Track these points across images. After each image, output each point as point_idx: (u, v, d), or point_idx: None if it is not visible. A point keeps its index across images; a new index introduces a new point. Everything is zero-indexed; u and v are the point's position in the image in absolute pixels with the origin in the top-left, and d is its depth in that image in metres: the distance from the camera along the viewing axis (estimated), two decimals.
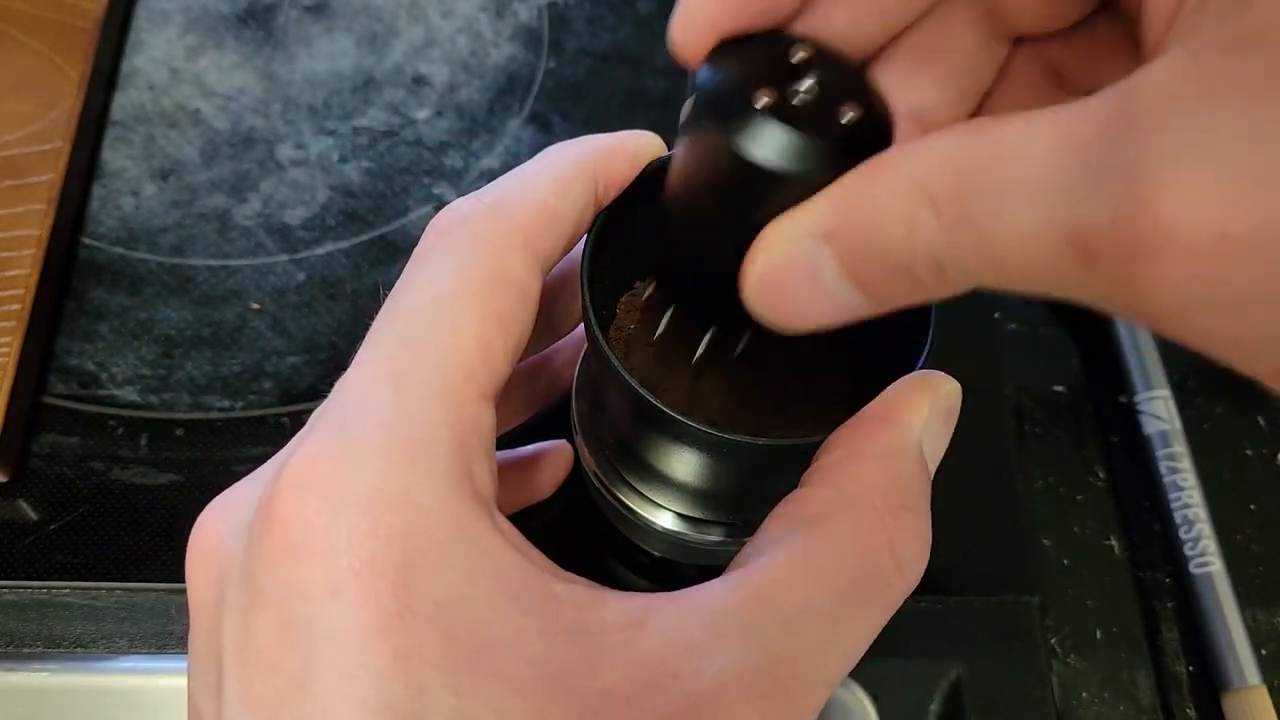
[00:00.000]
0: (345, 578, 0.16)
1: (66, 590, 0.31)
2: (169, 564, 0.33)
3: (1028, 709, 0.31)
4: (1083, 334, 0.39)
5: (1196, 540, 0.33)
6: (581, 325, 0.27)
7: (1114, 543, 0.35)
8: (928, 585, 0.33)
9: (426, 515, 0.17)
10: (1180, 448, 0.35)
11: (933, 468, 0.21)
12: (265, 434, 0.35)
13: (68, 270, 0.38)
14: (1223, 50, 0.13)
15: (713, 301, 0.21)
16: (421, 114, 0.43)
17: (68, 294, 0.38)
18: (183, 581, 0.20)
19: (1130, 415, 0.36)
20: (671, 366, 0.24)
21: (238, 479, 0.20)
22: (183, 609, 0.30)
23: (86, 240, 0.39)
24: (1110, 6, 0.19)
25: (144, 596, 0.31)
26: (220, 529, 0.19)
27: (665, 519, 0.26)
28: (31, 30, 0.41)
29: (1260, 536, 0.35)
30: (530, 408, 0.29)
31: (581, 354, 0.28)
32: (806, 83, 0.18)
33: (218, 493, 0.20)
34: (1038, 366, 0.38)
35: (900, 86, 0.20)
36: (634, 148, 0.22)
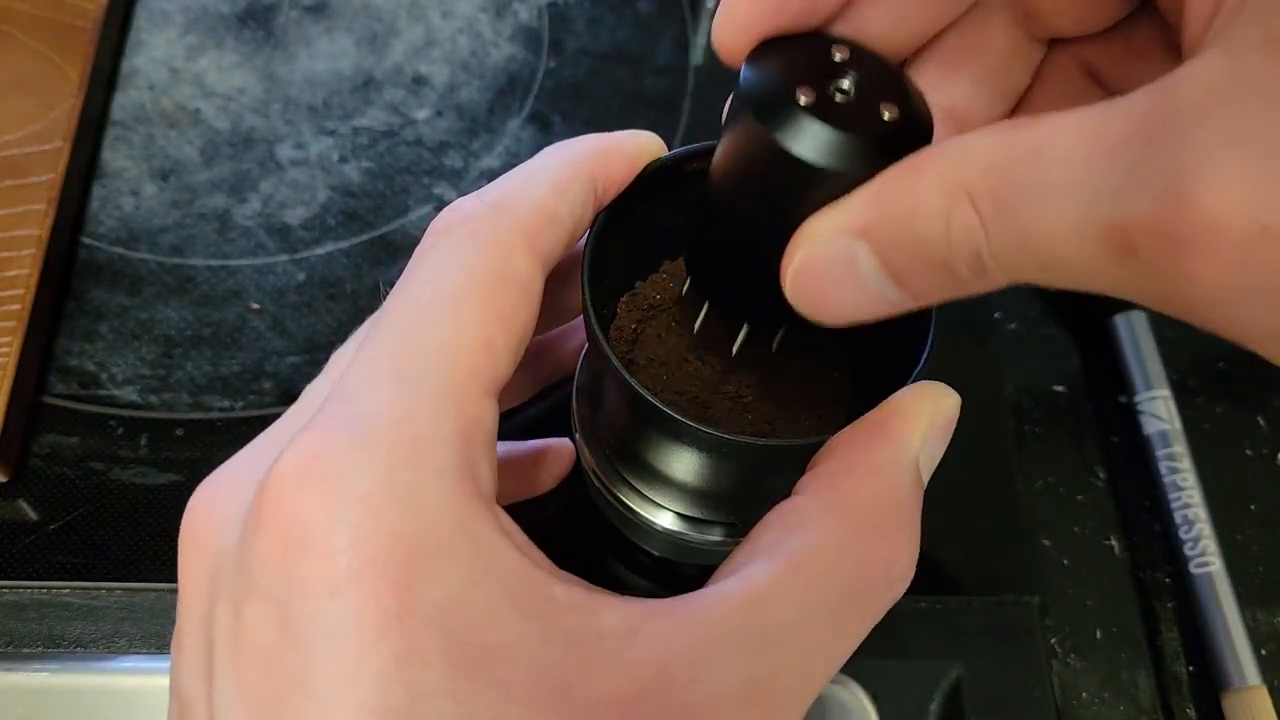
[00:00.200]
0: (346, 577, 0.16)
1: (66, 590, 0.31)
2: (169, 564, 0.33)
3: (1028, 709, 0.31)
4: (1083, 334, 0.39)
5: (1196, 540, 0.33)
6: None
7: (1114, 543, 0.35)
8: (928, 585, 0.33)
9: (430, 516, 0.17)
10: (1180, 448, 0.35)
11: (927, 478, 0.21)
12: None
13: (68, 270, 0.38)
14: (1262, 50, 0.13)
15: (749, 297, 0.21)
16: (421, 114, 0.43)
17: (68, 294, 0.38)
18: None
19: (1130, 415, 0.36)
20: (670, 362, 0.24)
21: None
22: None
23: (86, 240, 0.39)
24: (1147, 9, 0.20)
25: (144, 596, 0.31)
26: (215, 517, 0.19)
27: (665, 519, 0.26)
28: (31, 30, 0.41)
29: (1260, 536, 0.35)
30: (530, 390, 0.29)
31: (583, 353, 0.28)
32: (846, 81, 0.18)
33: None
34: (1038, 366, 0.38)
35: (937, 87, 0.21)
36: (632, 148, 0.22)
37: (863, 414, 0.21)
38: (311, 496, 0.17)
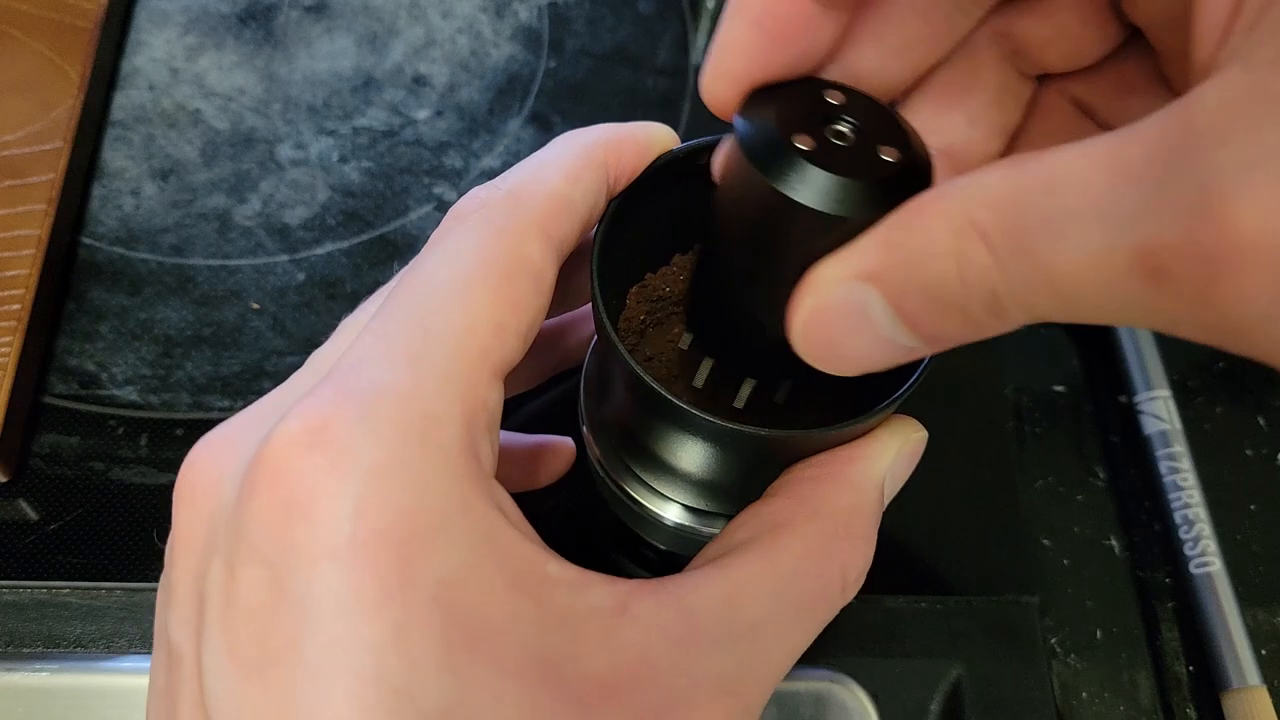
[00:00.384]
0: (348, 545, 0.16)
1: (66, 590, 0.31)
2: None
3: (1028, 709, 0.31)
4: (1083, 334, 0.39)
5: (1196, 540, 0.33)
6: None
7: (1114, 543, 0.35)
8: (928, 585, 0.33)
9: (434, 492, 0.17)
10: (1180, 448, 0.35)
11: (888, 499, 0.22)
12: None
13: (68, 270, 0.38)
14: None
15: (754, 352, 0.21)
16: (421, 114, 0.43)
17: (68, 294, 0.38)
18: None
19: (1130, 415, 0.36)
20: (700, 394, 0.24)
21: None
22: None
23: (86, 240, 0.39)
24: (1135, 41, 0.19)
25: (144, 596, 0.31)
26: (214, 473, 0.19)
27: (672, 512, 0.26)
28: (31, 30, 0.41)
29: (1260, 536, 0.35)
30: (538, 377, 0.30)
31: (591, 345, 0.28)
32: (844, 125, 0.18)
33: None
34: (1038, 366, 0.38)
35: (931, 126, 0.21)
36: (644, 137, 0.23)
37: (868, 408, 0.21)
38: (319, 462, 0.17)
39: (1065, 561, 0.34)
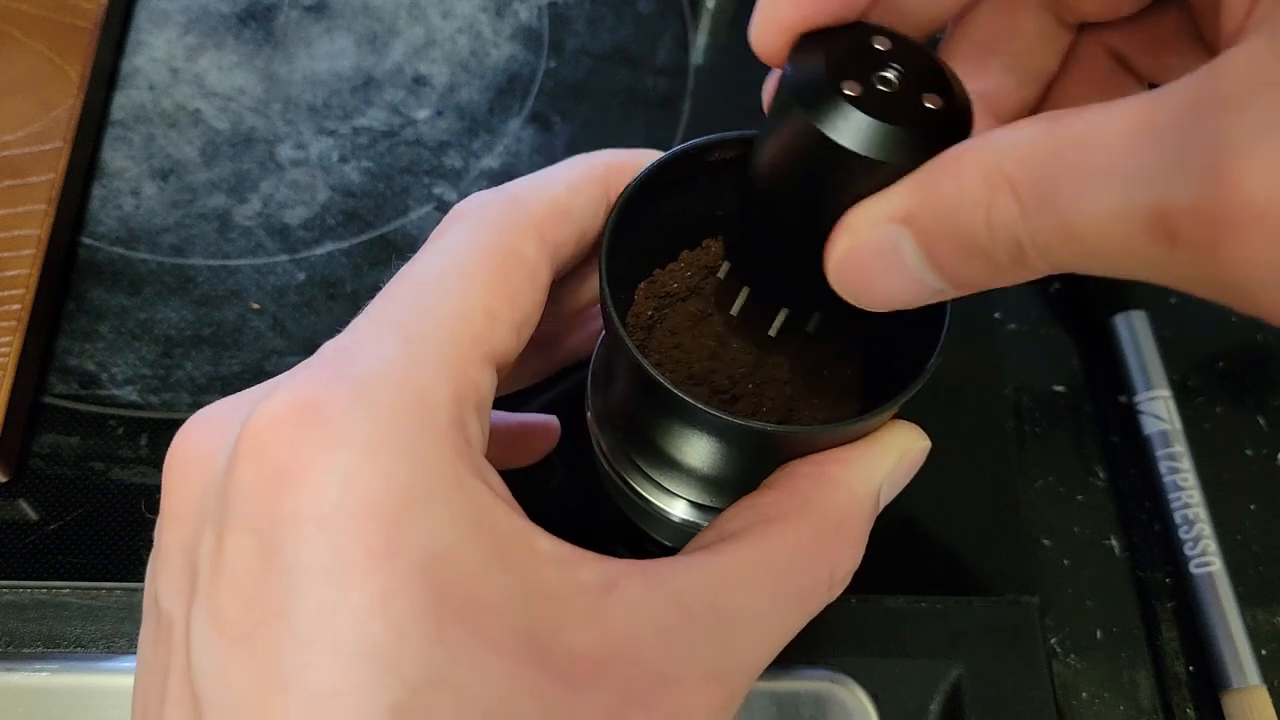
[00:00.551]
0: (336, 514, 0.16)
1: (66, 590, 0.31)
2: None
3: (1028, 709, 0.31)
4: (1083, 334, 0.39)
5: (1196, 540, 0.33)
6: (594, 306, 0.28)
7: (1114, 543, 0.35)
8: (928, 585, 0.33)
9: (423, 467, 0.17)
10: (1180, 448, 0.35)
11: (883, 504, 0.23)
12: None
13: (68, 270, 0.38)
14: None
15: (790, 282, 0.22)
16: (421, 114, 0.43)
17: (68, 294, 0.38)
18: None
19: (1130, 415, 0.36)
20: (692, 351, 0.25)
21: None
22: None
23: (86, 240, 0.39)
24: None
25: (143, 597, 0.31)
26: (205, 448, 0.19)
27: (678, 507, 0.26)
28: (31, 30, 0.41)
29: (1260, 536, 0.35)
30: (542, 373, 0.30)
31: (599, 339, 0.28)
32: (890, 72, 0.18)
33: None
34: (1038, 366, 0.38)
35: (969, 72, 0.21)
36: (643, 162, 0.23)
37: (874, 407, 0.21)
38: (309, 434, 0.17)
39: (1065, 561, 0.34)
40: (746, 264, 0.23)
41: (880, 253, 0.18)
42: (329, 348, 0.19)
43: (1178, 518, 0.34)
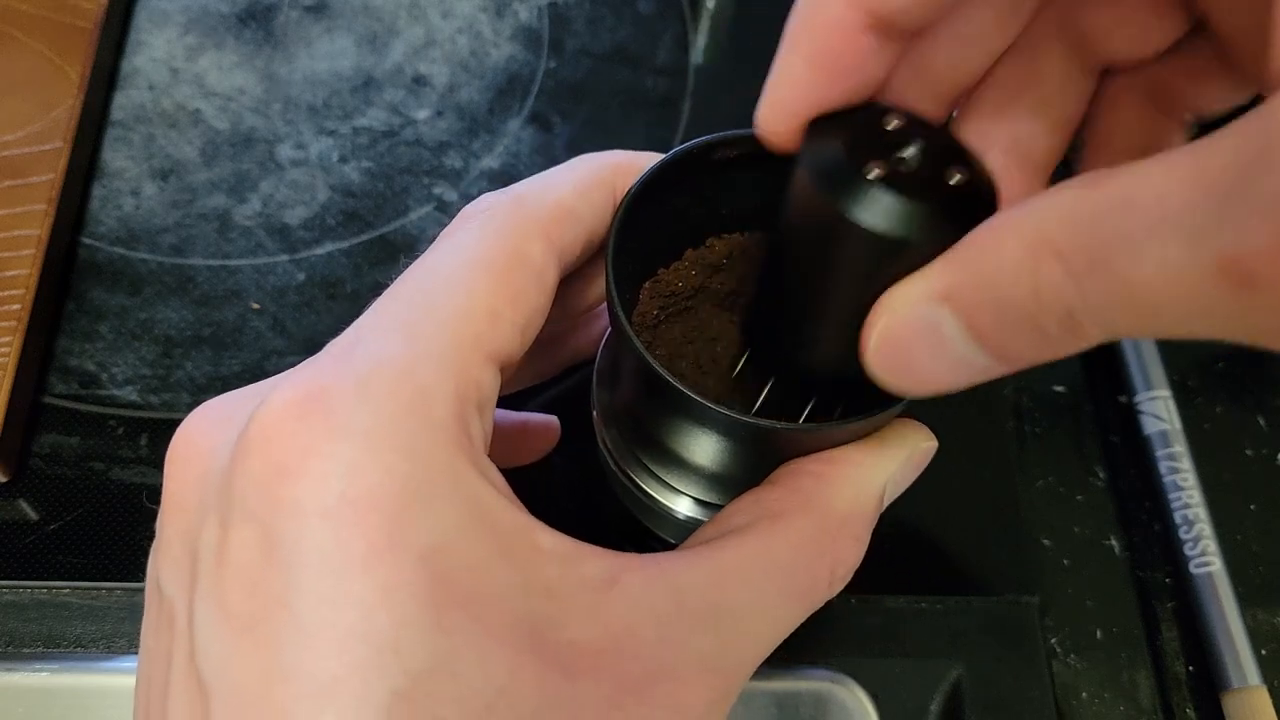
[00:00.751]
0: (338, 505, 0.17)
1: (66, 590, 0.31)
2: None
3: (1028, 709, 0.31)
4: None
5: (1196, 540, 0.33)
6: (600, 308, 0.28)
7: (1114, 543, 0.35)
8: (928, 585, 0.33)
9: (425, 460, 0.17)
10: (1180, 448, 0.35)
11: (887, 503, 0.22)
12: None
13: (68, 270, 0.38)
14: None
15: (819, 374, 0.22)
16: (421, 114, 0.43)
17: (68, 294, 0.38)
18: None
19: (1130, 415, 0.36)
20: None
21: None
22: None
23: (86, 240, 0.39)
24: (1202, 31, 0.19)
25: (143, 596, 0.31)
26: (208, 441, 0.19)
27: (683, 505, 0.26)
28: (31, 30, 0.41)
29: (1260, 536, 0.35)
30: (547, 372, 0.30)
31: (604, 338, 0.28)
32: (910, 150, 0.18)
33: None
34: (1038, 367, 0.38)
35: (996, 120, 0.21)
36: (648, 164, 0.23)
37: (879, 404, 0.21)
38: (313, 426, 0.17)
39: (1065, 561, 0.34)
40: (770, 355, 0.23)
41: (921, 333, 0.17)
42: (334, 344, 0.19)
43: (1178, 518, 0.34)
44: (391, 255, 0.39)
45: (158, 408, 0.36)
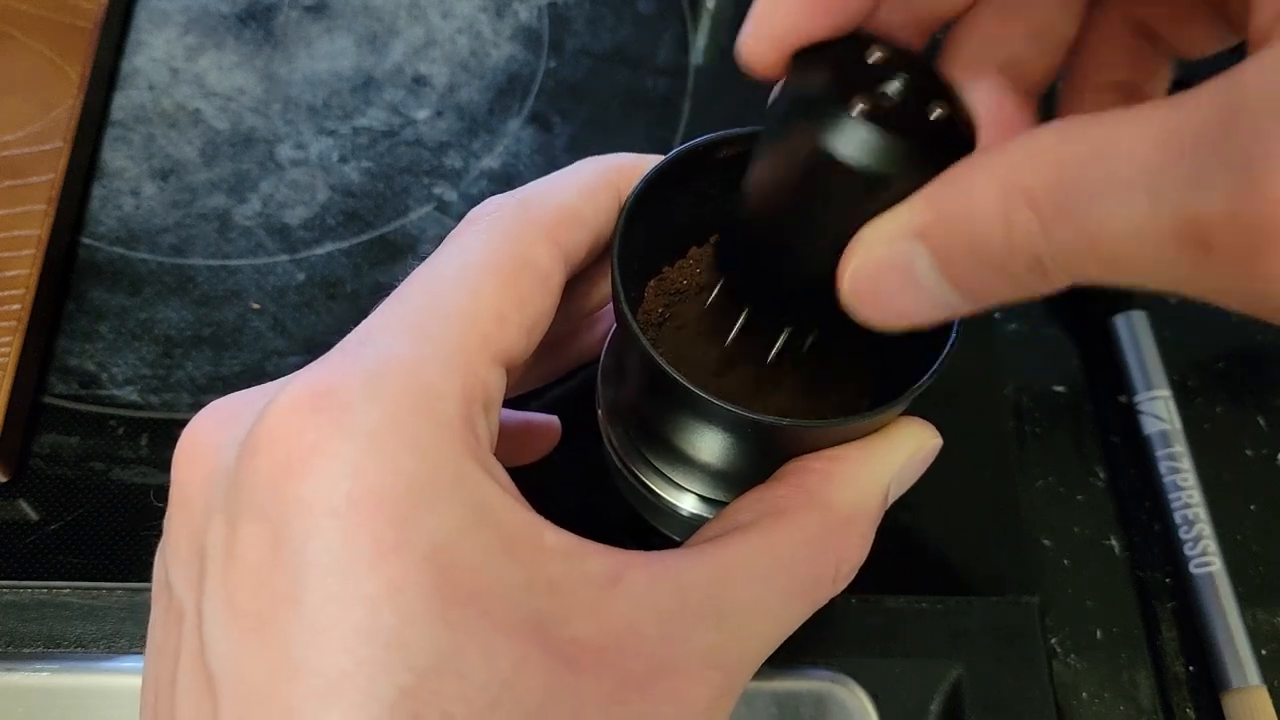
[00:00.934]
0: (345, 503, 0.17)
1: (67, 590, 0.31)
2: None
3: (1028, 709, 0.31)
4: (1083, 334, 0.39)
5: (1196, 540, 0.33)
6: (605, 309, 0.28)
7: (1114, 543, 0.35)
8: (928, 585, 0.33)
9: (432, 459, 0.18)
10: (1180, 448, 0.35)
11: (891, 501, 0.23)
12: None
13: (68, 270, 0.38)
14: None
15: (791, 304, 0.22)
16: (421, 114, 0.43)
17: (68, 294, 0.38)
18: None
19: (1130, 415, 0.36)
20: (711, 355, 0.25)
21: None
22: None
23: (86, 240, 0.39)
24: None
25: (144, 596, 0.31)
26: (216, 439, 0.20)
27: (687, 502, 0.26)
28: (31, 30, 0.41)
29: (1260, 536, 0.35)
30: (553, 374, 0.31)
31: (608, 336, 0.28)
32: (894, 84, 0.18)
33: None
34: (1038, 366, 0.38)
35: (991, 41, 0.21)
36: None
37: (885, 401, 0.21)
38: (321, 424, 0.17)
39: (1065, 561, 0.34)
40: (745, 284, 0.23)
41: (895, 268, 0.18)
42: (341, 345, 0.19)
43: (1178, 518, 0.34)
44: (391, 255, 0.39)
45: (158, 408, 0.35)
